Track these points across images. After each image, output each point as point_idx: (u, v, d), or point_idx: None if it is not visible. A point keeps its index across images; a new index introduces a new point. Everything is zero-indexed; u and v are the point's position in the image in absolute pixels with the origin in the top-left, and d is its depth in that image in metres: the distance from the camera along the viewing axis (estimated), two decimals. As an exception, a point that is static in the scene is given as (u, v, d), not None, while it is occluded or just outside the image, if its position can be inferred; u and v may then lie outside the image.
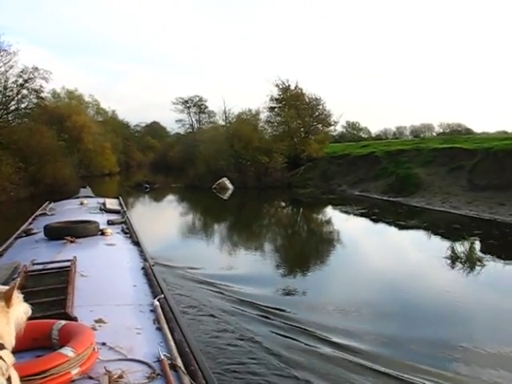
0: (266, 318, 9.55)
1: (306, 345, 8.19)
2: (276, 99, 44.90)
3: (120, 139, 77.14)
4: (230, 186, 40.46)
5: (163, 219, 28.31)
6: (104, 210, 10.07)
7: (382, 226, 22.48)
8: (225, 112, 53.99)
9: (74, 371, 2.71)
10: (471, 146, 31.52)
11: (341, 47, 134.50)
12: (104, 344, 3.24)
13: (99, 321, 3.71)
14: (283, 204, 35.03)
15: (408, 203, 28.27)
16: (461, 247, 14.66)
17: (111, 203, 10.92)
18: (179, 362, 3.08)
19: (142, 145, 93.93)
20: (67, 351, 2.75)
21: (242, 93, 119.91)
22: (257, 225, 26.07)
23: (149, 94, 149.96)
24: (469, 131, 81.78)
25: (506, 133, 45.75)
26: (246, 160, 40.52)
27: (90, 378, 2.79)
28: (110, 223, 8.19)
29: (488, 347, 8.00)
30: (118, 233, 7.55)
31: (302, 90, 44.50)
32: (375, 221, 23.75)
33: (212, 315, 9.60)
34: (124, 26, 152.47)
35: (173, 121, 79.98)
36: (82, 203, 11.05)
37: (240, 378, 6.96)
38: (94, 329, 3.46)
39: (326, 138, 45.37)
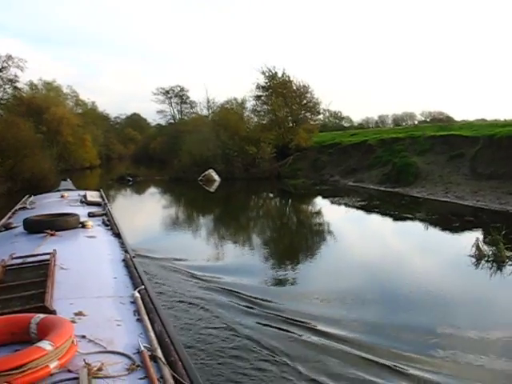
0: (249, 307, 9.42)
1: (291, 333, 8.07)
2: (262, 87, 42.67)
3: (100, 131, 74.28)
4: (216, 177, 38.34)
5: (147, 212, 26.32)
6: (85, 202, 9.80)
7: (388, 221, 20.45)
8: (208, 101, 51.78)
9: (53, 365, 2.58)
10: (470, 133, 29.75)
11: (322, 36, 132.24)
12: (83, 337, 3.10)
13: (79, 313, 3.56)
14: (272, 195, 32.98)
15: (408, 194, 26.48)
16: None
17: (92, 196, 10.70)
18: (159, 353, 2.95)
19: (122, 137, 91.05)
20: (45, 345, 2.61)
21: (225, 82, 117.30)
22: (244, 217, 24.26)
23: (128, 85, 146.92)
24: (450, 119, 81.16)
25: (485, 120, 43.50)
26: (232, 151, 38.30)
27: (69, 371, 2.65)
28: (91, 215, 7.93)
29: (470, 333, 8.04)
30: (98, 225, 7.32)
31: (289, 77, 42.29)
32: (378, 214, 21.84)
33: (194, 305, 9.52)
34: (101, 17, 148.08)
35: (153, 112, 77.66)
36: (62, 196, 10.71)
37: (222, 367, 6.84)
38: (73, 321, 3.32)
39: (314, 127, 43.27)
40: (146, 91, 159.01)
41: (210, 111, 50.81)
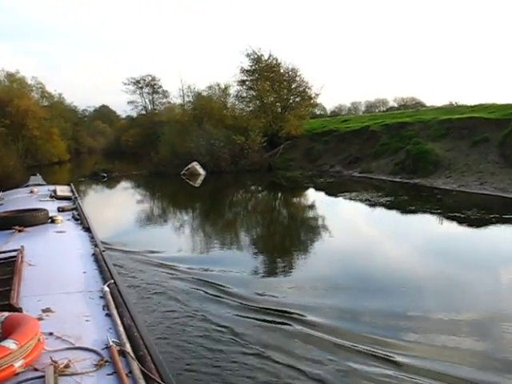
0: (220, 297, 8.95)
1: (265, 322, 7.72)
2: (247, 71, 37.62)
3: (69, 124, 68.11)
4: (201, 171, 33.44)
5: (125, 211, 22.19)
6: (55, 197, 9.27)
7: (445, 225, 15.72)
8: (182, 90, 46.41)
9: (18, 364, 2.43)
10: (491, 115, 25.53)
11: (294, 21, 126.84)
12: (51, 334, 2.92)
13: (47, 310, 3.35)
14: (265, 190, 28.31)
15: (433, 185, 22.13)
16: None
17: (62, 190, 10.20)
18: (128, 348, 2.77)
19: (91, 130, 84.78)
20: (9, 343, 2.45)
21: (203, 69, 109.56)
22: (233, 219, 20.01)
23: (95, 78, 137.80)
24: (422, 105, 78.81)
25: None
26: (218, 141, 33.35)
27: (35, 369, 2.49)
28: (61, 210, 7.54)
29: (440, 315, 7.92)
30: (68, 220, 6.92)
31: (276, 59, 37.33)
32: (416, 213, 17.47)
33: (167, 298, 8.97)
34: (64, 9, 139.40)
35: (123, 105, 71.72)
36: (31, 191, 10.18)
37: (193, 360, 6.48)
38: (40, 319, 3.15)
39: (306, 114, 38.59)
40: (114, 84, 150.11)
41: (186, 99, 45.01)
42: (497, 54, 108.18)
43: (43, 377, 2.40)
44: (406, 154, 25.75)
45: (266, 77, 36.66)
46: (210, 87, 38.55)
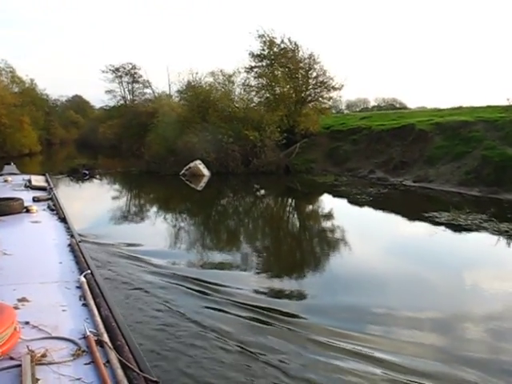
0: (197, 291, 8.45)
1: (240, 317, 7.35)
2: (257, 55, 30.39)
3: (40, 113, 59.77)
4: (205, 171, 26.35)
5: (118, 223, 16.18)
6: (30, 187, 8.85)
7: None
8: (168, 79, 38.88)
9: None
10: None
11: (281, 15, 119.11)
12: (27, 323, 2.80)
13: (22, 299, 3.21)
14: (295, 200, 21.05)
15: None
16: None
17: (37, 180, 9.68)
18: (105, 338, 2.66)
19: (64, 120, 75.85)
20: None
21: (192, 60, 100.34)
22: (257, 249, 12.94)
23: (68, 67, 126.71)
24: (403, 106, 74.27)
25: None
26: (227, 136, 26.21)
27: (11, 358, 2.39)
28: (36, 200, 7.21)
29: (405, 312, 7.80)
30: (43, 210, 6.63)
31: (296, 43, 30.08)
32: None
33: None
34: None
35: (96, 96, 63.20)
36: (6, 180, 9.62)
37: (169, 351, 6.22)
38: (16, 308, 2.99)
39: (327, 108, 31.73)
40: (88, 73, 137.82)
41: (177, 88, 37.34)
42: (477, 57, 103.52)
43: (20, 366, 2.29)
44: (480, 161, 19.28)
45: (281, 63, 29.60)
46: (212, 73, 30.94)
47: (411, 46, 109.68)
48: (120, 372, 2.34)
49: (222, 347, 6.35)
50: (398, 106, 78.24)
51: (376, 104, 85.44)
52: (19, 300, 3.19)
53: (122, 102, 61.57)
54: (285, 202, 21.04)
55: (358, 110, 79.28)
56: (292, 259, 11.82)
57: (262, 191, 23.59)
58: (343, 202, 18.82)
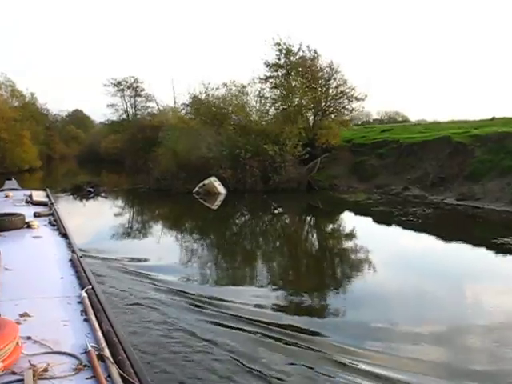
0: (198, 307, 8.14)
1: (244, 332, 7.01)
2: (274, 65, 27.99)
3: (41, 128, 57.44)
4: (220, 189, 23.93)
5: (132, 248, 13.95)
6: (31, 202, 8.64)
7: None
8: (173, 92, 36.58)
9: None
10: None
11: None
12: (29, 338, 2.75)
13: (24, 315, 3.14)
14: (331, 225, 18.30)
15: None
16: None
17: (38, 195, 9.43)
18: (107, 353, 2.62)
19: (64, 135, 73.26)
20: None
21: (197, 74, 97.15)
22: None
23: (66, 81, 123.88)
24: (405, 119, 72.12)
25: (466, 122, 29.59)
26: (245, 151, 23.80)
27: (13, 373, 2.35)
28: (37, 215, 7.05)
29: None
30: (45, 225, 6.53)
31: (315, 51, 27.71)
32: None
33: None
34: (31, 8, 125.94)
35: (97, 110, 60.64)
36: (6, 196, 9.34)
37: (171, 367, 5.93)
38: (18, 323, 2.87)
39: (348, 120, 29.37)
40: (88, 88, 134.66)
41: (184, 100, 34.76)
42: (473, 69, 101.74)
43: (22, 380, 2.29)
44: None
45: (299, 72, 27.26)
46: (225, 84, 28.50)
47: (405, 59, 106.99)
48: None
49: (234, 369, 5.89)
50: (400, 119, 76.25)
51: (378, 117, 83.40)
52: (21, 315, 3.12)
53: (124, 116, 59.21)
54: (314, 225, 18.42)
55: (359, 123, 77.16)
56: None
57: (284, 211, 21.15)
58: (388, 226, 16.25)
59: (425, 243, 13.77)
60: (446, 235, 13.94)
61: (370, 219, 17.53)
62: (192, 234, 16.81)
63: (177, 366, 6.05)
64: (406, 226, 15.52)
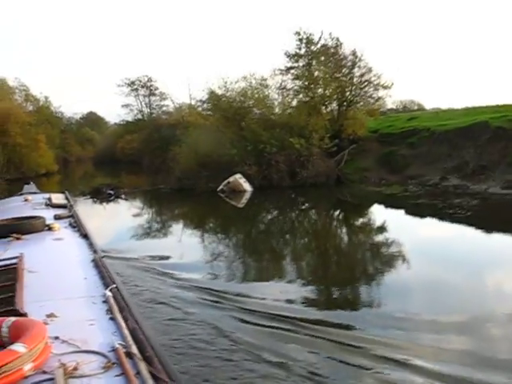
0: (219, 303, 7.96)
1: (260, 325, 6.89)
2: (294, 55, 26.67)
3: (56, 131, 56.58)
4: (246, 186, 22.76)
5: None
6: (50, 205, 8.61)
7: None
8: (189, 89, 35.45)
9: (27, 367, 2.31)
10: None
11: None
12: (57, 338, 2.75)
13: (51, 315, 3.15)
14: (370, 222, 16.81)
15: None
16: None
17: (57, 198, 9.42)
18: (134, 350, 2.60)
19: (79, 137, 72.52)
20: (18, 347, 2.32)
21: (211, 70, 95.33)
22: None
23: (79, 83, 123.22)
24: (421, 108, 70.20)
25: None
26: (270, 146, 22.59)
27: (44, 372, 2.38)
28: (57, 218, 7.09)
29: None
30: (65, 227, 6.53)
31: (338, 39, 26.30)
32: None
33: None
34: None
35: (110, 111, 59.76)
36: (26, 200, 9.36)
37: (199, 365, 5.77)
38: (45, 323, 2.90)
39: (376, 109, 27.99)
40: (101, 89, 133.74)
41: (201, 97, 33.46)
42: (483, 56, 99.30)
43: (53, 379, 2.29)
44: None
45: (321, 62, 25.95)
46: (244, 78, 27.18)
47: (414, 46, 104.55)
48: (151, 382, 2.30)
49: (255, 362, 5.78)
50: (415, 107, 74.40)
51: (394, 107, 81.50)
52: (47, 316, 3.12)
53: (139, 115, 58.30)
54: (351, 222, 17.00)
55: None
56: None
57: (314, 207, 19.96)
58: (435, 221, 14.81)
59: (485, 240, 12.37)
60: (507, 229, 12.57)
61: (412, 214, 16.13)
62: (219, 234, 15.91)
63: (208, 365, 5.83)
64: (454, 219, 14.21)
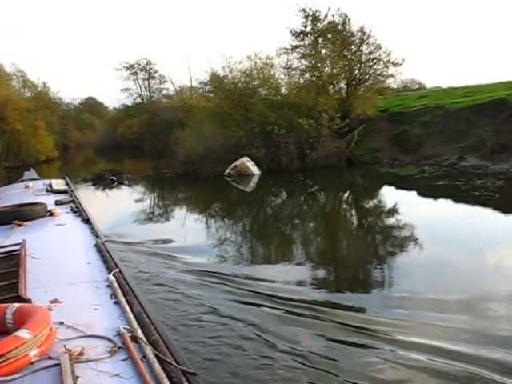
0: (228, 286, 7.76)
1: (265, 307, 6.79)
2: (300, 33, 25.50)
3: (55, 117, 55.40)
4: (254, 169, 21.87)
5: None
6: (51, 191, 8.66)
7: None
8: (189, 72, 34.29)
9: (33, 353, 2.29)
10: None
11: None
12: (62, 323, 2.74)
13: (55, 301, 3.15)
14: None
15: None
16: None
17: (58, 184, 9.47)
18: (140, 334, 2.60)
19: (78, 123, 71.31)
20: (23, 333, 2.30)
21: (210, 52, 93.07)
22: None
23: (77, 68, 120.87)
24: (423, 87, 68.96)
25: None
26: (278, 127, 21.58)
27: (50, 357, 2.35)
28: (58, 203, 7.10)
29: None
30: (67, 212, 6.54)
31: (346, 15, 25.00)
32: None
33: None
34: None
35: (109, 96, 58.60)
36: (27, 186, 9.42)
37: (204, 347, 5.69)
38: (49, 309, 2.91)
39: (386, 88, 26.91)
40: (99, 74, 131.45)
41: (202, 79, 32.19)
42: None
43: (59, 365, 2.26)
44: None
45: (328, 39, 24.81)
46: (248, 57, 25.98)
47: (409, 23, 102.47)
48: (157, 366, 2.29)
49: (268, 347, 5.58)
50: (417, 86, 73.09)
51: (395, 86, 79.99)
52: (51, 301, 3.11)
53: (138, 99, 57.08)
54: (369, 208, 15.66)
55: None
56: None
57: (327, 192, 18.90)
58: (464, 204, 13.74)
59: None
60: None
61: (435, 197, 14.90)
62: (227, 219, 15.18)
63: (215, 349, 5.68)
64: (484, 203, 13.19)
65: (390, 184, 18.27)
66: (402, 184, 17.73)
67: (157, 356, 2.35)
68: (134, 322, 2.71)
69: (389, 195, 16.59)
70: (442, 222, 11.67)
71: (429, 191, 15.67)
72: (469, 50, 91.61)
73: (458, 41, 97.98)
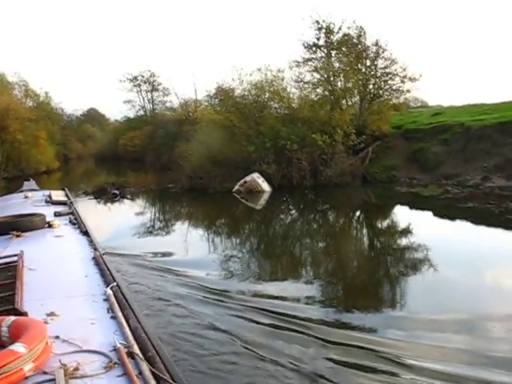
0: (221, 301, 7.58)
1: (264, 325, 6.56)
2: (313, 45, 24.45)
3: (56, 127, 54.36)
4: (264, 186, 20.64)
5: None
6: (50, 202, 8.55)
7: None
8: (194, 85, 33.36)
9: (27, 367, 2.23)
10: None
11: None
12: (57, 337, 2.69)
13: (51, 314, 3.09)
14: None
15: None
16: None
17: (57, 195, 9.23)
18: (136, 349, 2.53)
19: (80, 134, 70.60)
20: (18, 347, 2.25)
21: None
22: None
23: (80, 79, 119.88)
24: (425, 104, 68.17)
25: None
26: (291, 142, 20.41)
27: (45, 372, 2.30)
28: (57, 215, 7.01)
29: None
30: (65, 224, 6.47)
31: (362, 28, 23.89)
32: None
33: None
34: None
35: (112, 108, 57.67)
36: (26, 197, 9.31)
37: (201, 363, 5.48)
38: (46, 322, 2.87)
39: (402, 103, 25.82)
40: (102, 86, 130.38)
41: (209, 92, 31.06)
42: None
43: (53, 380, 2.22)
44: None
45: (342, 53, 23.75)
46: (258, 70, 24.84)
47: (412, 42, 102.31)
48: (153, 383, 2.24)
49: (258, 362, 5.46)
50: (419, 104, 72.26)
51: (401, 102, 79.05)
52: (48, 314, 3.05)
53: (141, 111, 56.12)
54: (393, 234, 13.46)
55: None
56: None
57: (341, 212, 17.63)
58: (505, 231, 12.24)
59: None
60: None
61: (468, 222, 13.44)
62: (234, 237, 14.17)
63: (214, 367, 5.45)
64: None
65: (416, 206, 16.64)
66: (428, 205, 16.29)
67: (153, 373, 2.30)
68: (131, 338, 2.65)
69: (427, 220, 14.49)
70: (491, 253, 10.28)
71: (460, 214, 14.29)
72: (468, 69, 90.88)
73: (459, 60, 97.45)
